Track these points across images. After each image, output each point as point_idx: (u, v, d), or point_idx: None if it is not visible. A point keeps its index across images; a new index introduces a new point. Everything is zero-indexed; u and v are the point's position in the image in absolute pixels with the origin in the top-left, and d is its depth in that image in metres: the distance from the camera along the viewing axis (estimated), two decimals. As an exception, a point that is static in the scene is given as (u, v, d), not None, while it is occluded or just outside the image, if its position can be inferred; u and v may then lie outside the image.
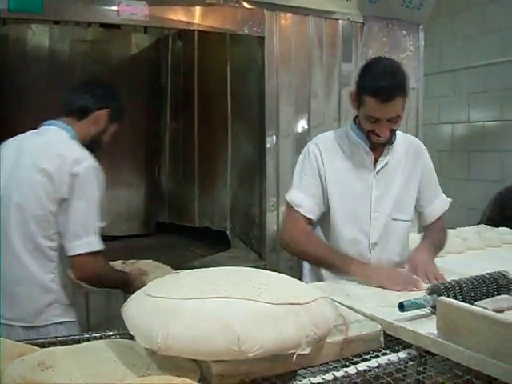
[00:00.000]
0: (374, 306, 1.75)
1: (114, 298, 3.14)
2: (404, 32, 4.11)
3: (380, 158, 2.39)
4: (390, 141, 2.35)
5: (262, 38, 3.70)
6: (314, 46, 3.85)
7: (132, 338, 1.49)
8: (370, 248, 2.37)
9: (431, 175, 2.55)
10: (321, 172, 2.37)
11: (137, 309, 1.40)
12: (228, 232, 4.30)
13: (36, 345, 1.54)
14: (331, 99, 3.91)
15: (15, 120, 4.01)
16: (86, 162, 2.25)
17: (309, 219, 2.33)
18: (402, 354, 1.47)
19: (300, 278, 2.50)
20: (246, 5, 3.62)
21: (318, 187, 2.37)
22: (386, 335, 1.55)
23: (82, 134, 2.39)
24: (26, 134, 2.40)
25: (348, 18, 3.96)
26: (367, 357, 1.44)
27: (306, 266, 2.58)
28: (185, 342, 1.26)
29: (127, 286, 2.34)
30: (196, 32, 4.60)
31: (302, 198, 2.35)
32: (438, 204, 2.55)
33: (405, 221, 2.45)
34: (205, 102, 4.63)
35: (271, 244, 3.70)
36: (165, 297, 1.36)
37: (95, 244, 2.21)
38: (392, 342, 1.54)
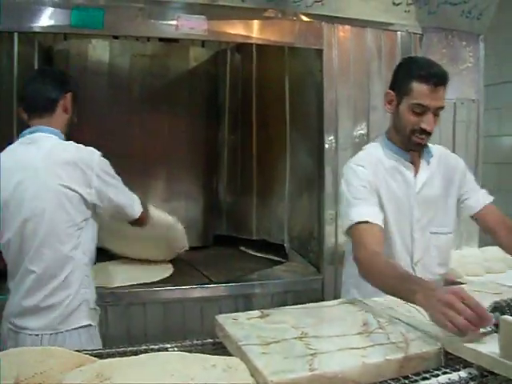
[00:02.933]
0: (434, 323, 1.71)
1: (172, 310, 3.17)
2: (464, 43, 4.05)
3: (418, 175, 2.39)
4: (425, 144, 2.34)
5: (320, 51, 3.69)
6: (372, 58, 3.82)
7: (190, 350, 1.50)
8: (412, 265, 2.34)
9: (468, 175, 2.54)
10: (373, 187, 2.32)
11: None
12: (285, 245, 4.28)
13: (94, 355, 1.55)
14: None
15: (76, 134, 4.08)
16: (94, 154, 2.45)
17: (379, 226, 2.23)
18: (463, 373, 1.42)
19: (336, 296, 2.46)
20: (303, 18, 3.62)
21: (375, 198, 2.31)
22: (446, 353, 1.51)
23: (60, 127, 2.54)
24: (15, 145, 2.48)
25: (407, 30, 3.91)
26: (427, 375, 1.41)
27: (349, 281, 2.54)
28: None
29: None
30: (254, 45, 4.62)
31: (365, 209, 2.25)
32: (482, 193, 2.52)
33: (445, 233, 2.41)
34: (263, 115, 4.63)
35: (329, 257, 3.67)
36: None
37: (142, 203, 2.69)
38: (453, 360, 1.50)
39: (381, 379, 1.38)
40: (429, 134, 2.26)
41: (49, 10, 3.21)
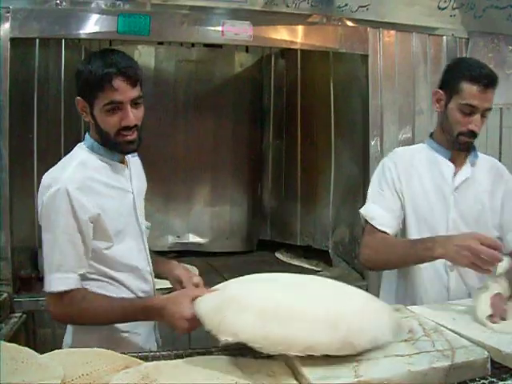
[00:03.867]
0: (480, 331, 1.69)
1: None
2: (510, 47, 3.99)
3: (459, 172, 2.33)
4: (471, 145, 2.32)
5: (365, 56, 3.68)
6: (417, 63, 3.79)
7: (234, 354, 1.51)
8: (446, 270, 2.26)
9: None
10: (397, 188, 2.31)
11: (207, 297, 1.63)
12: (330, 250, 4.26)
13: (140, 358, 1.58)
14: (436, 116, 3.83)
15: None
16: (55, 186, 1.94)
17: (385, 233, 2.25)
18: (510, 383, 1.41)
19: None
20: (348, 23, 3.62)
21: (395, 202, 2.31)
22: (493, 362, 1.49)
23: (93, 135, 2.12)
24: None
25: (452, 34, 3.88)
26: (473, 384, 1.40)
27: (384, 288, 2.52)
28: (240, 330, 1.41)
29: (146, 315, 1.96)
30: (299, 50, 4.62)
31: (377, 210, 2.29)
32: None
33: None
34: (308, 120, 4.63)
35: (373, 264, 3.63)
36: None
37: (52, 284, 1.94)
38: (499, 369, 1.48)
39: (426, 387, 1.37)
40: (475, 135, 2.25)
41: (96, 17, 3.27)
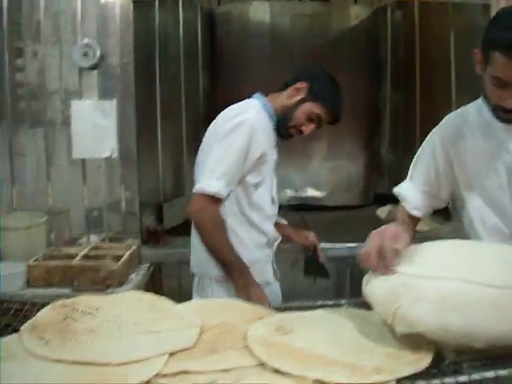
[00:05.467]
0: None
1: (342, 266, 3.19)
2: None
3: None
4: None
5: (487, 6, 3.52)
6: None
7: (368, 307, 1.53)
8: None
9: None
10: (439, 166, 2.00)
11: (377, 283, 1.46)
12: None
13: (273, 309, 1.63)
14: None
15: (238, 95, 4.23)
16: (242, 117, 2.34)
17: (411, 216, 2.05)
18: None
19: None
20: (472, -29, 3.48)
21: (431, 184, 2.02)
22: None
23: (275, 104, 2.47)
24: None
25: None
26: None
27: None
28: (417, 321, 1.28)
29: (230, 272, 2.33)
30: (415, 1, 4.49)
31: (411, 190, 2.06)
32: None
33: None
34: (426, 73, 4.51)
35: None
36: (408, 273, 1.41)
37: (209, 186, 2.27)
38: None
39: None
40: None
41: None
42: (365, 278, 1.54)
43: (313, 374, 1.18)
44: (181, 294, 2.75)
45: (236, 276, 2.30)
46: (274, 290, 2.58)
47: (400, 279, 1.42)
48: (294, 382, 1.16)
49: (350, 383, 1.15)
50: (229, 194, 2.34)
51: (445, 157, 2.00)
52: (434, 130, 2.08)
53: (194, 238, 2.50)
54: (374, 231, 1.62)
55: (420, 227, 3.85)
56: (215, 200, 2.28)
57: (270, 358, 1.24)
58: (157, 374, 1.17)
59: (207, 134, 2.51)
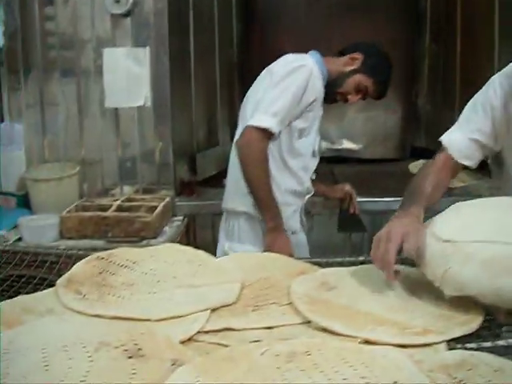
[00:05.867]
0: None
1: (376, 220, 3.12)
2: None
3: None
4: None
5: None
6: None
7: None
8: None
9: None
10: (496, 116, 1.85)
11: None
12: (489, 160, 4.05)
13: (314, 263, 1.58)
14: None
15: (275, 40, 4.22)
16: (302, 63, 2.40)
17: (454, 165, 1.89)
18: None
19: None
20: None
21: (485, 133, 1.87)
22: None
23: (329, 67, 2.52)
24: None
25: None
26: None
27: None
28: (467, 284, 1.24)
29: (264, 211, 2.39)
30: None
31: (460, 139, 1.89)
32: None
33: None
34: (468, 25, 4.34)
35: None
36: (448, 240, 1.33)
37: (263, 120, 2.31)
38: None
39: None
40: None
41: None
42: None
43: (362, 334, 1.14)
44: (215, 247, 2.72)
45: (269, 217, 2.37)
46: (300, 240, 2.61)
47: (448, 241, 1.35)
48: (341, 341, 1.12)
49: (400, 343, 1.11)
50: (279, 134, 2.38)
51: (503, 107, 1.85)
52: (495, 77, 1.94)
53: (231, 173, 2.58)
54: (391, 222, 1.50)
55: (457, 183, 3.80)
56: (266, 135, 2.32)
57: (316, 317, 1.20)
58: (198, 331, 1.13)
59: (259, 78, 2.56)
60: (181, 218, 3.19)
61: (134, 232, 2.74)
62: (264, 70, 2.56)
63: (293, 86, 2.34)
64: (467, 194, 3.38)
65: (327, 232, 3.17)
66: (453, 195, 3.41)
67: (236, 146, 2.41)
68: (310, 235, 2.86)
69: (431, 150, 4.49)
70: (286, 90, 2.34)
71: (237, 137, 2.46)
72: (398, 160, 4.63)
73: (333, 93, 2.55)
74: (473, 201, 1.56)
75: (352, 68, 2.55)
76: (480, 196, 3.33)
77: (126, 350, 0.98)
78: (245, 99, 2.61)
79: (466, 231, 1.36)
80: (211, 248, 2.54)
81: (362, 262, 1.61)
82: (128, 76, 3.17)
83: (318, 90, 2.44)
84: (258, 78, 2.57)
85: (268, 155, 2.37)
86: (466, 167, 1.95)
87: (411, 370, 0.96)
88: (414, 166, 4.14)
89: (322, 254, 2.68)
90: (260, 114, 2.32)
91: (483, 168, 4.01)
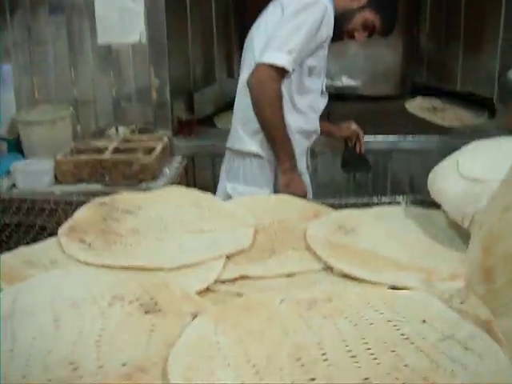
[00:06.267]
0: None
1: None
2: None
3: None
4: None
5: None
6: None
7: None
8: None
9: None
10: None
11: (447, 182, 1.31)
12: (495, 98, 3.95)
13: (327, 205, 1.50)
14: None
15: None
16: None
17: None
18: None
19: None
20: None
21: None
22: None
23: (337, 3, 2.41)
24: None
25: None
26: None
27: None
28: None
29: (278, 151, 2.35)
30: None
31: None
32: None
33: None
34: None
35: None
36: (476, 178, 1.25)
37: (277, 58, 2.22)
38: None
39: None
40: None
41: None
42: (431, 175, 1.39)
43: (386, 280, 1.07)
44: (215, 188, 2.64)
45: (284, 158, 2.34)
46: (305, 182, 2.56)
47: (476, 179, 1.27)
48: (366, 287, 1.06)
49: (428, 289, 1.04)
50: (292, 72, 2.30)
51: None
52: None
53: (238, 112, 2.53)
54: None
55: (463, 122, 3.71)
56: (280, 73, 2.24)
57: (337, 262, 1.13)
58: (214, 281, 1.06)
59: (268, 11, 2.47)
60: (179, 158, 3.11)
61: (133, 175, 2.67)
62: (271, 3, 2.46)
63: (307, 23, 2.25)
64: (474, 133, 3.30)
65: (330, 171, 3.11)
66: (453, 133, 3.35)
67: (248, 85, 2.31)
68: (313, 175, 2.80)
69: (432, 86, 4.43)
70: (301, 26, 2.24)
71: (244, 74, 2.38)
72: (398, 97, 4.54)
73: (340, 30, 2.47)
74: (491, 139, 1.51)
75: (360, 4, 2.47)
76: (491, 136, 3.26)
77: (141, 305, 0.91)
78: (249, 34, 2.51)
79: (492, 170, 1.27)
80: (211, 190, 2.47)
81: (375, 204, 1.54)
82: (121, 11, 3.06)
83: (331, 26, 2.35)
84: (266, 11, 2.47)
85: (281, 93, 2.30)
86: None
87: (440, 307, 0.93)
88: (410, 105, 4.08)
89: (326, 194, 2.66)
90: (273, 51, 2.23)
91: (485, 107, 3.96)
